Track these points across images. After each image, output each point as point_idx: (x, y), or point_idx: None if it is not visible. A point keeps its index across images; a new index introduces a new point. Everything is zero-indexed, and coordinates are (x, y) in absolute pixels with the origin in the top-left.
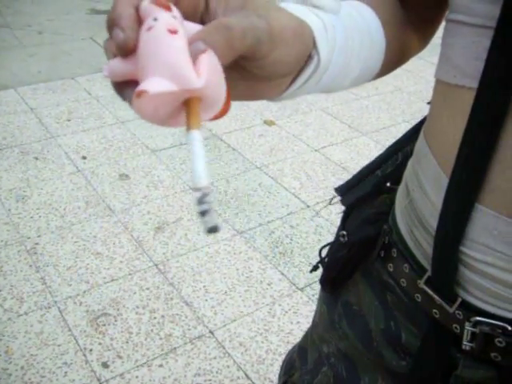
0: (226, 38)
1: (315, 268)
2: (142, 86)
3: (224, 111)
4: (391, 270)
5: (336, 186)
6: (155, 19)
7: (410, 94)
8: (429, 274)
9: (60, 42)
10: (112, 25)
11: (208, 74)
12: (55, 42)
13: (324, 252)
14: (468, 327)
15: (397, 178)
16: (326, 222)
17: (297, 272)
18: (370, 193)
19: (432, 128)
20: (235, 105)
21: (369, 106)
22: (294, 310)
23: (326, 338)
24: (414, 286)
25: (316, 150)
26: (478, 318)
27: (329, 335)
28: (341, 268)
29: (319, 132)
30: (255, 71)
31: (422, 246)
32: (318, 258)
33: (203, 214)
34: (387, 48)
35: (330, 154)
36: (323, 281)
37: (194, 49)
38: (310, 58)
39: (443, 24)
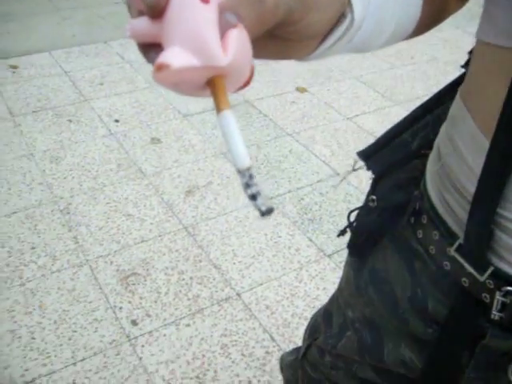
0: (257, 12)
1: (343, 232)
2: (162, 58)
3: (246, 84)
4: (420, 236)
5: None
6: None
7: (446, 64)
8: (460, 241)
9: (94, 6)
10: None
11: (235, 52)
12: (89, 5)
13: (353, 217)
14: (498, 297)
15: (428, 143)
16: (355, 189)
17: (325, 239)
18: (401, 159)
19: (471, 90)
20: (268, 71)
21: (403, 75)
22: (320, 276)
23: (351, 303)
24: (443, 253)
25: (348, 119)
26: (510, 288)
27: (354, 300)
28: (369, 233)
29: (352, 100)
30: (283, 35)
31: (454, 211)
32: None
33: (254, 197)
34: (425, 7)
35: (361, 122)
36: (351, 245)
37: (223, 20)
38: (342, 15)
39: None
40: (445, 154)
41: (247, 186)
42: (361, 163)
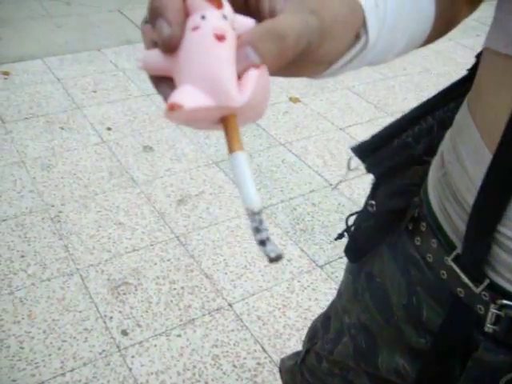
0: (279, 49)
1: (341, 236)
2: (175, 98)
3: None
4: (418, 244)
5: (358, 165)
6: (203, 17)
7: (438, 76)
8: (458, 251)
9: (88, 14)
10: (157, 14)
11: (253, 92)
12: (83, 13)
13: (351, 221)
14: (493, 309)
15: (433, 149)
16: (347, 200)
17: (317, 249)
18: (403, 163)
19: (478, 99)
20: None
21: (395, 86)
22: (312, 286)
23: (348, 309)
24: (440, 262)
25: (341, 129)
26: (505, 302)
27: (351, 306)
28: (366, 238)
29: (344, 111)
30: (296, 61)
31: (453, 221)
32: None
33: (263, 243)
34: (436, 15)
35: (354, 133)
36: (348, 250)
37: (243, 55)
38: (356, 37)
39: None
40: (448, 161)
41: (257, 230)
42: (355, 165)
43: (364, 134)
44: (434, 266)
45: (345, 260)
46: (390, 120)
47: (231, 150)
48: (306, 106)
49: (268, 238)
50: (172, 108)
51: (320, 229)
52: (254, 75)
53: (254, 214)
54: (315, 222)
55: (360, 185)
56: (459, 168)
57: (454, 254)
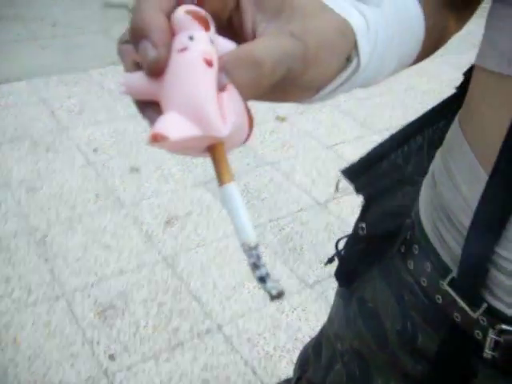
0: (253, 76)
1: (330, 260)
2: (159, 127)
3: (247, 137)
4: (411, 267)
5: (347, 184)
6: (191, 38)
7: (423, 93)
8: (453, 274)
9: (73, 35)
10: (140, 35)
11: (232, 117)
12: (68, 34)
13: (341, 244)
14: (492, 335)
15: (423, 169)
16: (336, 219)
17: (306, 269)
18: (392, 184)
19: (470, 118)
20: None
21: (381, 104)
22: (302, 307)
23: (340, 335)
24: (435, 286)
25: (328, 147)
26: (504, 327)
27: (343, 332)
28: (357, 262)
29: (331, 129)
30: (281, 86)
31: (447, 243)
32: (328, 256)
33: (263, 279)
34: (425, 34)
35: (341, 151)
36: (338, 274)
37: (217, 81)
38: (347, 60)
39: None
40: (439, 182)
41: (255, 266)
42: (345, 186)
43: (351, 151)
44: (429, 291)
45: (334, 279)
46: (377, 137)
47: (222, 182)
48: (292, 125)
49: (268, 274)
50: (156, 139)
51: (309, 248)
52: (225, 98)
53: (250, 249)
54: (304, 241)
55: (348, 203)
56: (452, 188)
57: (450, 277)
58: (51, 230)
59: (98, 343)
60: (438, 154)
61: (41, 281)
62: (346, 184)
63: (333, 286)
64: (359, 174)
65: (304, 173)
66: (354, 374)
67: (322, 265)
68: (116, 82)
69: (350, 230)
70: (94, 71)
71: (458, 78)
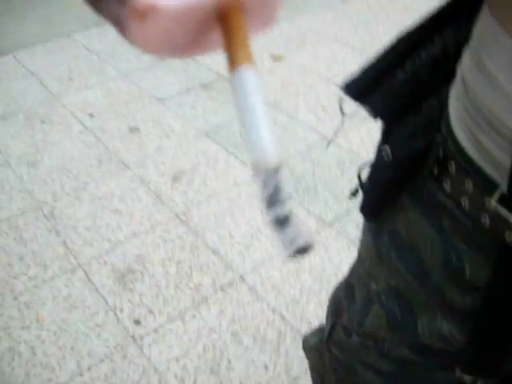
0: None
1: (355, 193)
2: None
3: (273, 18)
4: (448, 188)
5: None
6: None
7: (421, 13)
8: (502, 189)
9: (52, 2)
10: None
11: None
12: (46, 2)
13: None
14: None
15: (446, 74)
16: (347, 152)
17: (323, 207)
18: (413, 98)
19: (508, 2)
20: None
21: (379, 30)
22: (324, 246)
23: (374, 274)
24: (480, 206)
25: (329, 81)
26: None
27: (377, 270)
28: (384, 191)
29: (330, 62)
30: None
31: (491, 154)
32: (344, 191)
33: (282, 223)
34: None
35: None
36: (364, 208)
37: None
38: None
39: None
40: (473, 85)
41: (271, 202)
42: (350, 110)
43: None
44: (473, 212)
45: (354, 214)
46: None
47: (234, 62)
48: (290, 63)
49: (289, 216)
50: (142, 14)
51: (322, 186)
52: None
53: (267, 175)
54: (317, 179)
55: (357, 134)
56: (491, 89)
57: (498, 193)
58: (58, 202)
59: (121, 310)
60: (467, 54)
61: (55, 255)
62: (350, 110)
63: (352, 222)
64: (366, 91)
65: (308, 110)
66: (395, 315)
67: (339, 201)
68: (102, 42)
69: (361, 162)
70: (78, 35)
71: None
